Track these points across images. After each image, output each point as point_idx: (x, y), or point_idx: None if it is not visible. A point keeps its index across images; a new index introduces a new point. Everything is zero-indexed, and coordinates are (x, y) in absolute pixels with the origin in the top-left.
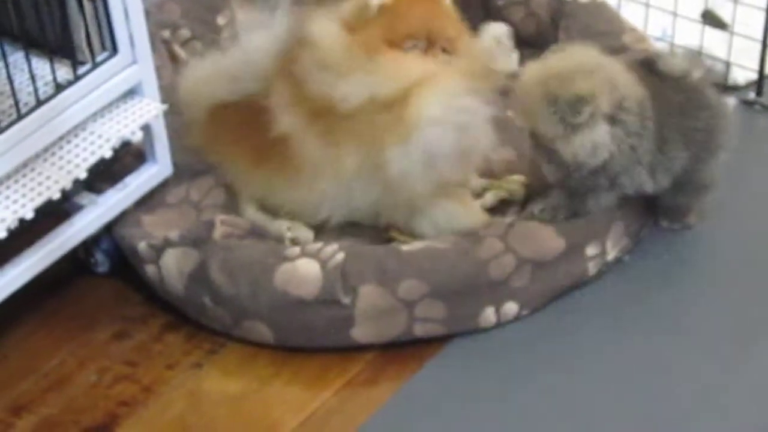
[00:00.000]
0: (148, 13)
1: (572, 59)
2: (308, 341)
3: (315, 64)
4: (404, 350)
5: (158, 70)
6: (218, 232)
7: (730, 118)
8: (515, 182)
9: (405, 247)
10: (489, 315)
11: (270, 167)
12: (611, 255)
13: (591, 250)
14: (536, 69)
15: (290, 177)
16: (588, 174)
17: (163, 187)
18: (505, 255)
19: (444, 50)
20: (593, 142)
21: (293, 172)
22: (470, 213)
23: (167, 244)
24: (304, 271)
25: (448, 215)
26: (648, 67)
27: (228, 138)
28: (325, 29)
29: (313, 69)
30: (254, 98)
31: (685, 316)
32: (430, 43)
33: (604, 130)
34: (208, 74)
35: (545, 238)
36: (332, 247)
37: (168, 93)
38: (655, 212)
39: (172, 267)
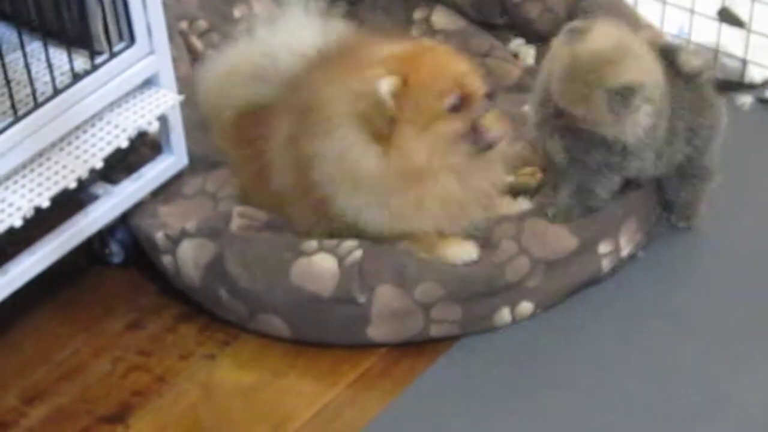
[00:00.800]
0: (166, 5)
1: (610, 40)
2: (323, 337)
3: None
4: (418, 345)
5: (176, 61)
6: (235, 224)
7: (725, 116)
8: (528, 174)
9: None
10: (504, 315)
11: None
12: (625, 251)
13: (604, 248)
14: (579, 51)
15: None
16: (604, 151)
17: (179, 178)
18: (519, 257)
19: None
20: (636, 123)
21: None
22: (462, 252)
23: (184, 234)
24: (320, 266)
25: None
26: (666, 57)
27: (239, 149)
28: (351, 141)
29: (339, 185)
30: (272, 105)
31: (699, 312)
32: (465, 98)
33: (646, 111)
34: (229, 72)
35: (558, 237)
36: (350, 243)
37: (185, 84)
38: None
39: (189, 258)
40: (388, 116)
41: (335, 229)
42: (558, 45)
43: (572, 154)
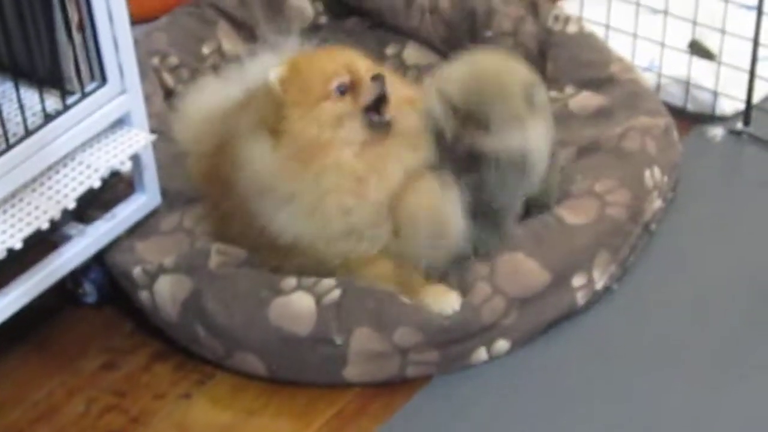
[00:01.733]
0: (136, 41)
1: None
2: (300, 376)
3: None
4: (393, 383)
5: (150, 97)
6: (214, 261)
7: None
8: None
9: None
10: (481, 353)
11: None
12: (600, 284)
13: (578, 281)
14: (480, 62)
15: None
16: (511, 170)
17: (156, 214)
18: (494, 297)
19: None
20: (537, 129)
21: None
22: (444, 303)
23: (161, 270)
24: (298, 306)
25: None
26: None
27: (212, 188)
28: (251, 148)
29: (257, 199)
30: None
31: (675, 345)
32: (355, 82)
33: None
34: (208, 109)
35: (530, 273)
36: (329, 283)
37: (159, 120)
38: (642, 237)
39: (166, 293)
40: (278, 103)
41: (291, 262)
42: (443, 77)
43: (478, 192)
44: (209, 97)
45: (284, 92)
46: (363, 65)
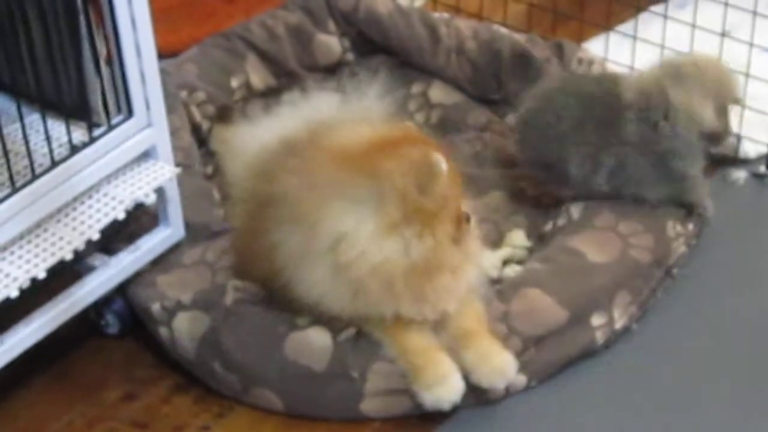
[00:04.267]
0: (167, 73)
1: None
2: (317, 412)
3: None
4: (411, 418)
5: (177, 131)
6: (230, 297)
7: None
8: (520, 241)
9: None
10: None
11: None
12: (619, 324)
13: (597, 320)
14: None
15: None
16: None
17: (179, 247)
18: (510, 338)
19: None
20: None
21: None
22: (444, 396)
23: (179, 307)
24: (314, 341)
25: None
26: None
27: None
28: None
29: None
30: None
31: (693, 388)
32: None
33: None
34: (262, 148)
35: (547, 311)
36: None
37: (186, 154)
38: (664, 279)
39: (184, 330)
40: (441, 194)
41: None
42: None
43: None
44: (263, 135)
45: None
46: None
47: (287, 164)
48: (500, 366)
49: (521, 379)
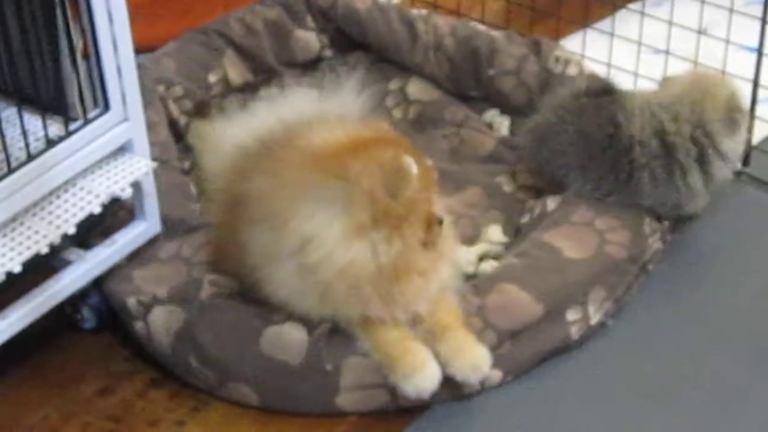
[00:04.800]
0: (144, 68)
1: None
2: (292, 406)
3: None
4: (388, 413)
5: (155, 125)
6: (206, 292)
7: None
8: (496, 237)
9: None
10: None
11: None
12: (594, 320)
13: (572, 315)
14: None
15: None
16: None
17: (155, 242)
18: (486, 331)
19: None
20: None
21: None
22: (420, 384)
23: (155, 301)
24: (290, 336)
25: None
26: None
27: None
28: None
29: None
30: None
31: (668, 384)
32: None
33: None
34: (239, 144)
35: (523, 306)
36: None
37: (163, 149)
38: (639, 275)
39: (160, 325)
40: (410, 197)
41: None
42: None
43: None
44: (239, 131)
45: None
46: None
47: (261, 163)
48: (475, 360)
49: (496, 374)
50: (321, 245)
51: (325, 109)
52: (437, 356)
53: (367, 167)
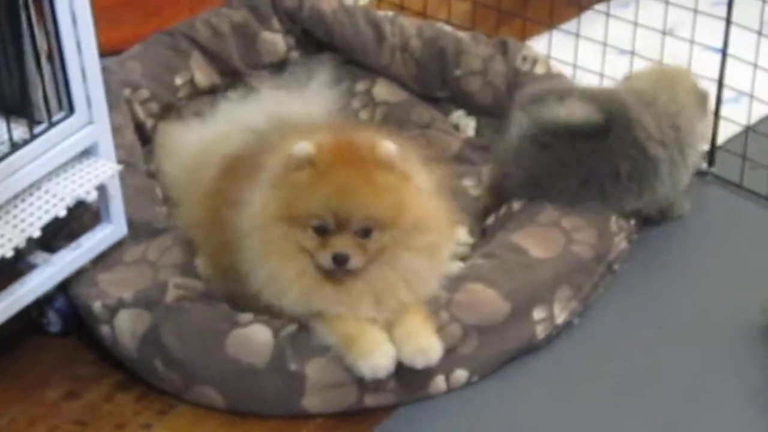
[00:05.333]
0: (110, 71)
1: None
2: (259, 408)
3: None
4: (354, 414)
5: (120, 128)
6: (171, 295)
7: None
8: (462, 238)
9: None
10: (439, 383)
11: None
12: (560, 319)
13: (538, 314)
14: None
15: None
16: None
17: (121, 245)
18: (451, 324)
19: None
20: None
21: None
22: (377, 365)
23: (121, 304)
24: (255, 337)
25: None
26: None
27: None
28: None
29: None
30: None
31: (634, 382)
32: (339, 226)
33: None
34: (198, 148)
35: (490, 303)
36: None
37: (129, 152)
38: (605, 274)
39: (125, 328)
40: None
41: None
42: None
43: None
44: (197, 136)
45: (284, 181)
46: (357, 203)
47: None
48: (424, 345)
49: (463, 374)
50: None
51: (289, 111)
52: (392, 340)
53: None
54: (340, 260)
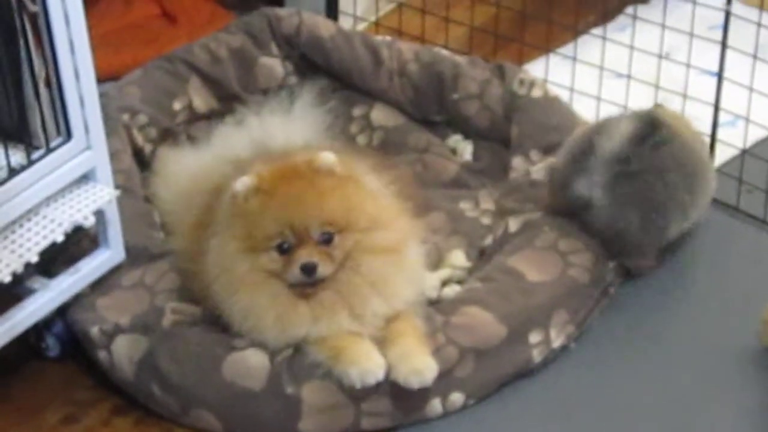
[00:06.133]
0: (109, 96)
1: None
2: (256, 431)
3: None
4: None
5: (118, 153)
6: (168, 319)
7: None
8: (459, 262)
9: None
10: (435, 406)
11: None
12: (556, 343)
13: (534, 338)
14: None
15: None
16: None
17: (118, 269)
18: (447, 347)
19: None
20: None
21: None
22: (366, 373)
23: (118, 330)
24: (252, 361)
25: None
26: None
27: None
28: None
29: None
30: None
31: (630, 408)
32: (297, 243)
33: None
34: (189, 176)
35: (486, 326)
36: None
37: (126, 177)
38: (601, 298)
39: (123, 353)
40: (234, 217)
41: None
42: None
43: None
44: (192, 163)
45: (237, 215)
46: (310, 211)
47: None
48: (419, 367)
49: (459, 397)
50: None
51: (271, 136)
52: (387, 361)
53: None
54: (308, 269)
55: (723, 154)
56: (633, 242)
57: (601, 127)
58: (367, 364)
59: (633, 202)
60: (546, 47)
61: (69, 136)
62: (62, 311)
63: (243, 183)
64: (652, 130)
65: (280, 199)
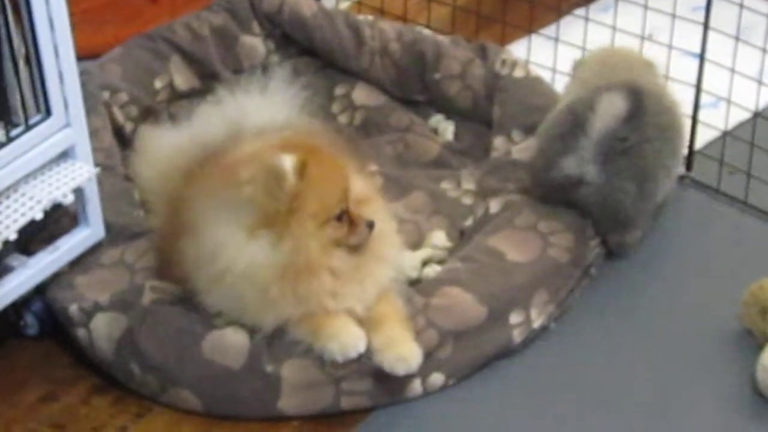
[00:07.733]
0: (89, 74)
1: None
2: (235, 411)
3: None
4: (330, 417)
5: (98, 131)
6: (147, 298)
7: None
8: (440, 242)
9: None
10: (416, 386)
11: None
12: (537, 323)
13: (515, 318)
14: None
15: None
16: None
17: (98, 247)
18: (428, 330)
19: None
20: None
21: None
22: (348, 347)
23: (97, 308)
24: (231, 339)
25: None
26: None
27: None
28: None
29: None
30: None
31: (610, 387)
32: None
33: None
34: (170, 154)
35: (466, 307)
36: None
37: (108, 155)
38: (582, 278)
39: (102, 331)
40: (289, 194)
41: None
42: None
43: None
44: (171, 142)
45: (297, 194)
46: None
47: (192, 173)
48: (405, 353)
49: (439, 378)
50: (223, 252)
51: (251, 115)
52: (370, 346)
53: (250, 172)
54: (371, 224)
55: (704, 136)
56: (628, 214)
57: (585, 106)
58: (347, 338)
59: (629, 175)
60: (528, 27)
61: (48, 113)
62: (41, 289)
63: (289, 162)
64: (640, 104)
65: (324, 170)
